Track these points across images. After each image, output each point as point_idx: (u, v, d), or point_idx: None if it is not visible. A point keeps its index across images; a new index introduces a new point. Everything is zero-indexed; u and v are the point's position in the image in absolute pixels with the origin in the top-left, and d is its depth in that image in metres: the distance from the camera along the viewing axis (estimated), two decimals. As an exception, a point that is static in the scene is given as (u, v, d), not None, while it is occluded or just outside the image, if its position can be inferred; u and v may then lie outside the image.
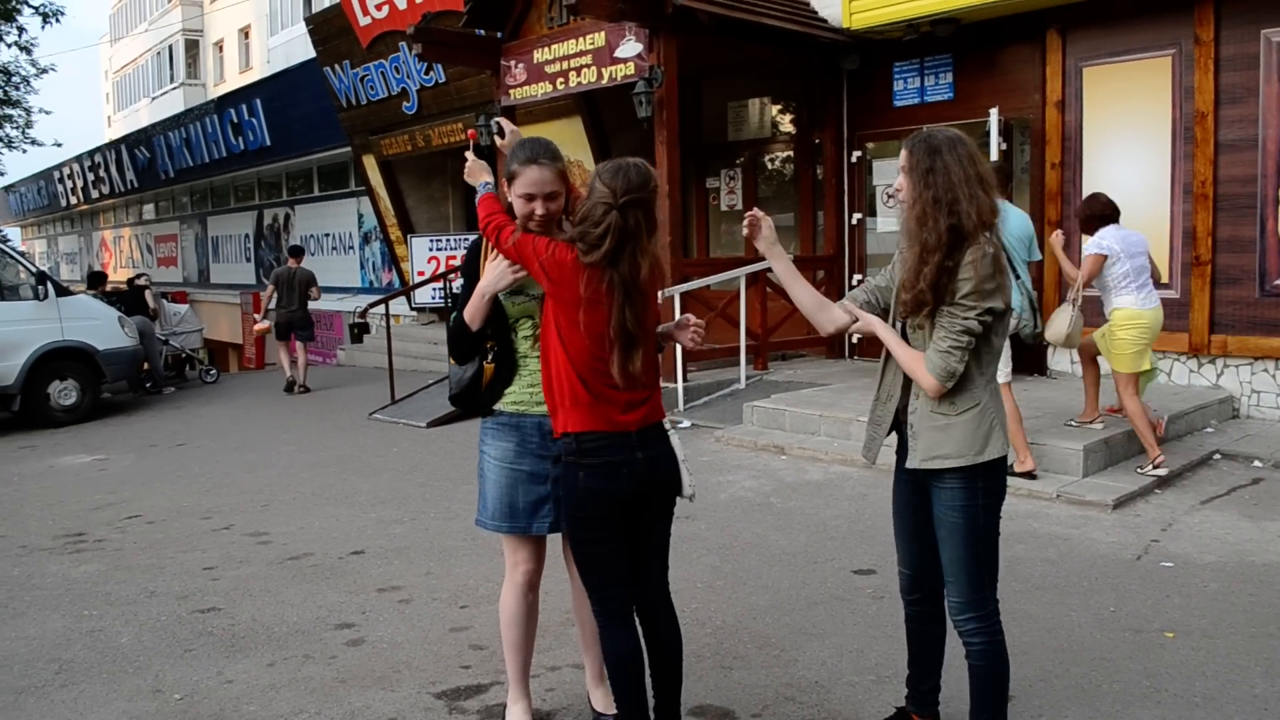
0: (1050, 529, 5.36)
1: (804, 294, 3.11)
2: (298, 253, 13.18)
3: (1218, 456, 6.71)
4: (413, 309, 14.97)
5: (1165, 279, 7.96)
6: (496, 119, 3.59)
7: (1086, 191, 8.41)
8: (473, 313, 3.07)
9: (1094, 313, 6.80)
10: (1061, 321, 6.37)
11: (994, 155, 8.39)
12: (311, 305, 12.55)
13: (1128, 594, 4.44)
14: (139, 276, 15.31)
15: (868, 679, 3.69)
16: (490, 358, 3.14)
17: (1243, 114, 7.65)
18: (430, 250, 14.44)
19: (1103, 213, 6.34)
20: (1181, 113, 7.93)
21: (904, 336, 2.96)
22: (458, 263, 12.81)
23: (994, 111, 8.47)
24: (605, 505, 2.87)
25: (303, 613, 4.57)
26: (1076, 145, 8.55)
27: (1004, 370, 5.81)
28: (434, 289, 13.27)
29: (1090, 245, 6.28)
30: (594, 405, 2.84)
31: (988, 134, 8.56)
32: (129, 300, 13.89)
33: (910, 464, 2.93)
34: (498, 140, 3.40)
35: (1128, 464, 6.34)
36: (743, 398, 8.47)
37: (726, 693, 3.60)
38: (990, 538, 2.91)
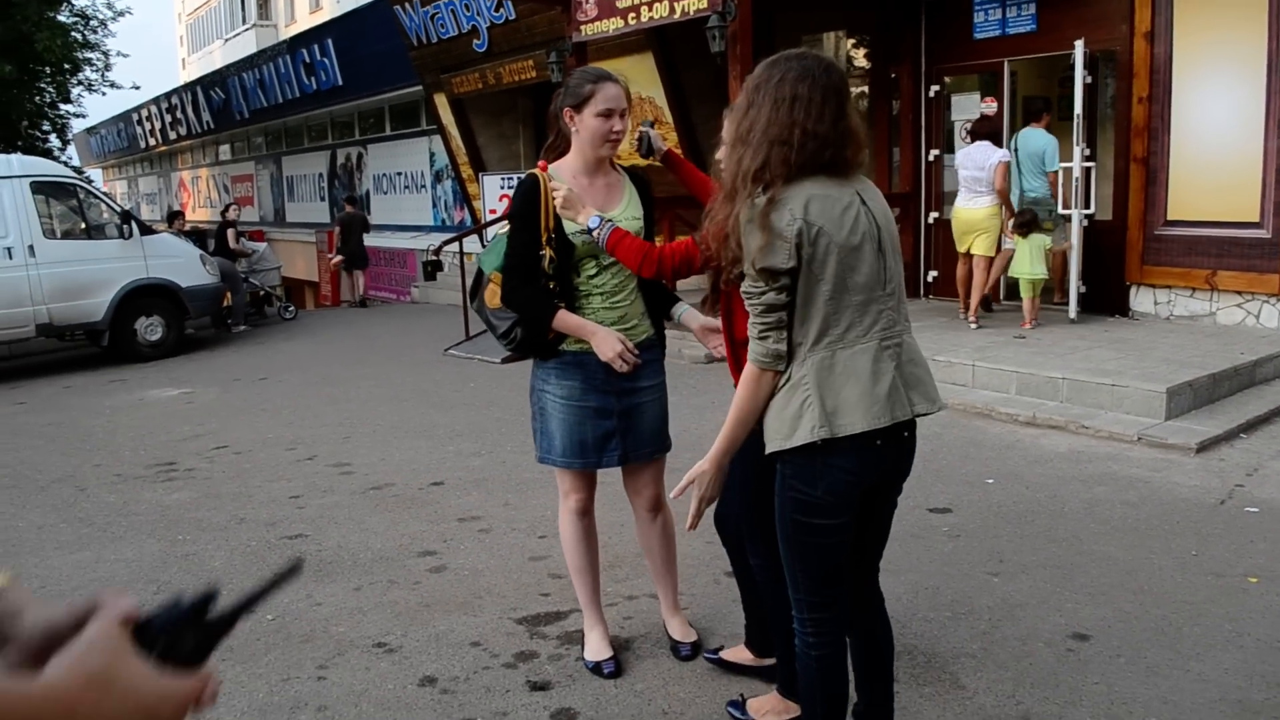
0: (1131, 471, 5.29)
1: None
2: (353, 201, 16.98)
3: (1307, 400, 6.54)
4: (484, 246, 15.07)
5: (1256, 217, 7.73)
6: (644, 130, 3.44)
7: (1175, 127, 8.17)
8: (566, 329, 3.13)
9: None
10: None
11: (1078, 89, 8.14)
12: (388, 244, 13.09)
13: (1210, 538, 4.37)
14: (228, 208, 15.60)
15: (944, 615, 3.71)
16: (560, 300, 3.14)
17: (1346, 44, 7.32)
18: (502, 188, 14.44)
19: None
20: (1277, 45, 7.60)
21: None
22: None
23: (1079, 43, 8.19)
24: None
25: (386, 540, 4.71)
26: (1165, 78, 8.25)
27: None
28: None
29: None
30: None
31: (1072, 66, 8.30)
32: (219, 236, 14.24)
33: None
34: (640, 153, 3.43)
35: (1213, 408, 6.20)
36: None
37: (802, 625, 3.64)
38: (799, 540, 2.37)
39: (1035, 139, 8.51)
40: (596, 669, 3.37)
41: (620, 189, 3.25)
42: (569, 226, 3.07)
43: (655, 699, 3.21)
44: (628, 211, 3.21)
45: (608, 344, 3.05)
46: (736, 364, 2.81)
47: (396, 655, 3.55)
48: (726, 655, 3.42)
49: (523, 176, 3.21)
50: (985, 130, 8.47)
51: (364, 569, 4.35)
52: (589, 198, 3.11)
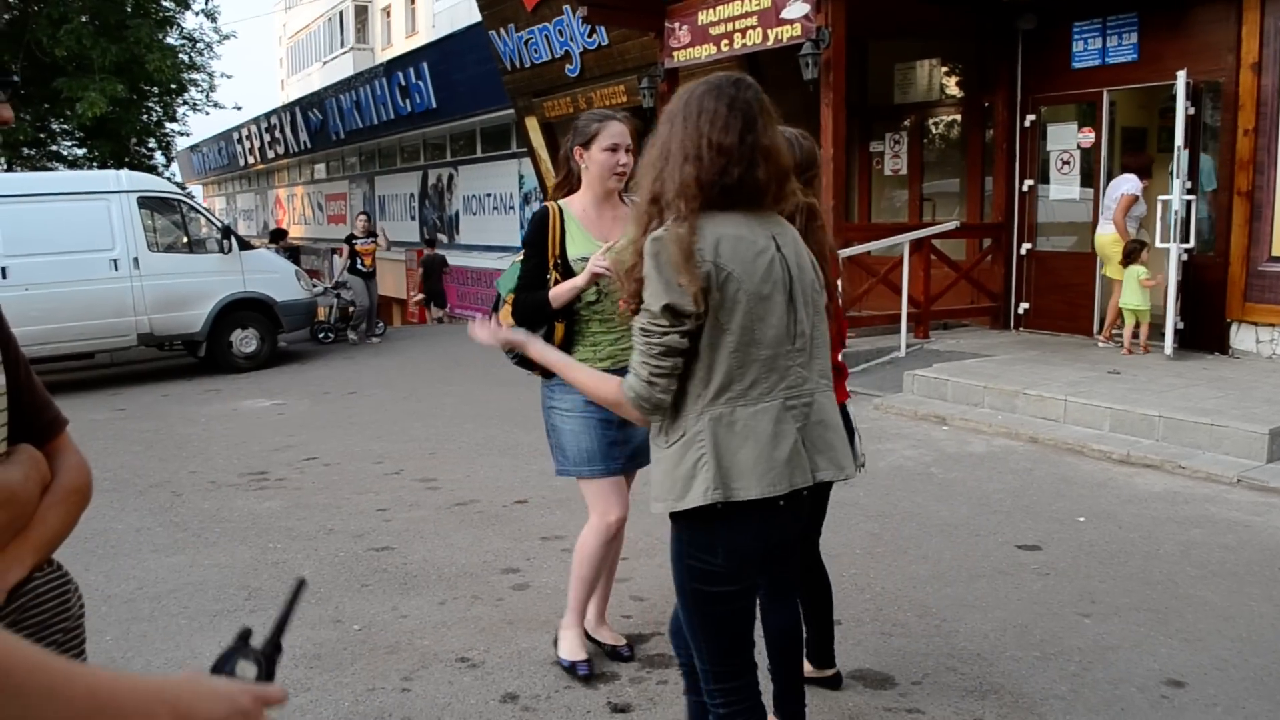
0: (1230, 514, 5.11)
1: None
2: (432, 243, 18.22)
3: None
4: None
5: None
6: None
7: (1283, 160, 7.93)
8: (562, 301, 3.28)
9: None
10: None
11: (1180, 120, 7.94)
12: (475, 264, 13.36)
13: (1315, 585, 4.21)
14: (352, 239, 14.79)
15: (1032, 655, 3.62)
16: (560, 319, 3.37)
17: None
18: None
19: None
20: (1395, 76, 7.34)
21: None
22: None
23: (1181, 74, 8.01)
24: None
25: (470, 556, 4.76)
26: (1273, 111, 8.01)
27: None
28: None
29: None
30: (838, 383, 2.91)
31: (1174, 97, 8.11)
32: (352, 253, 14.27)
33: None
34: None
35: (1318, 450, 5.97)
36: (903, 365, 8.33)
37: (886, 658, 3.59)
38: (701, 610, 2.19)
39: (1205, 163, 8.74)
40: (572, 668, 3.54)
41: (626, 220, 3.36)
42: (573, 253, 3.31)
43: (735, 726, 3.19)
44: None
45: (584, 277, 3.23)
46: None
47: (479, 670, 3.59)
48: None
49: (536, 208, 3.48)
50: (1135, 165, 8.71)
51: (449, 583, 4.41)
52: (598, 229, 3.35)
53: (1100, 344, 8.87)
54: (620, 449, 3.42)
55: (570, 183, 3.45)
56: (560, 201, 3.40)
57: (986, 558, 4.59)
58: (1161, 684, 3.38)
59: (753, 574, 2.20)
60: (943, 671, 3.51)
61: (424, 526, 5.24)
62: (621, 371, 2.47)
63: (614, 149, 3.29)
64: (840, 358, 3.10)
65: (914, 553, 4.67)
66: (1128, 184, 8.50)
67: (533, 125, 16.22)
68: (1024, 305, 10.17)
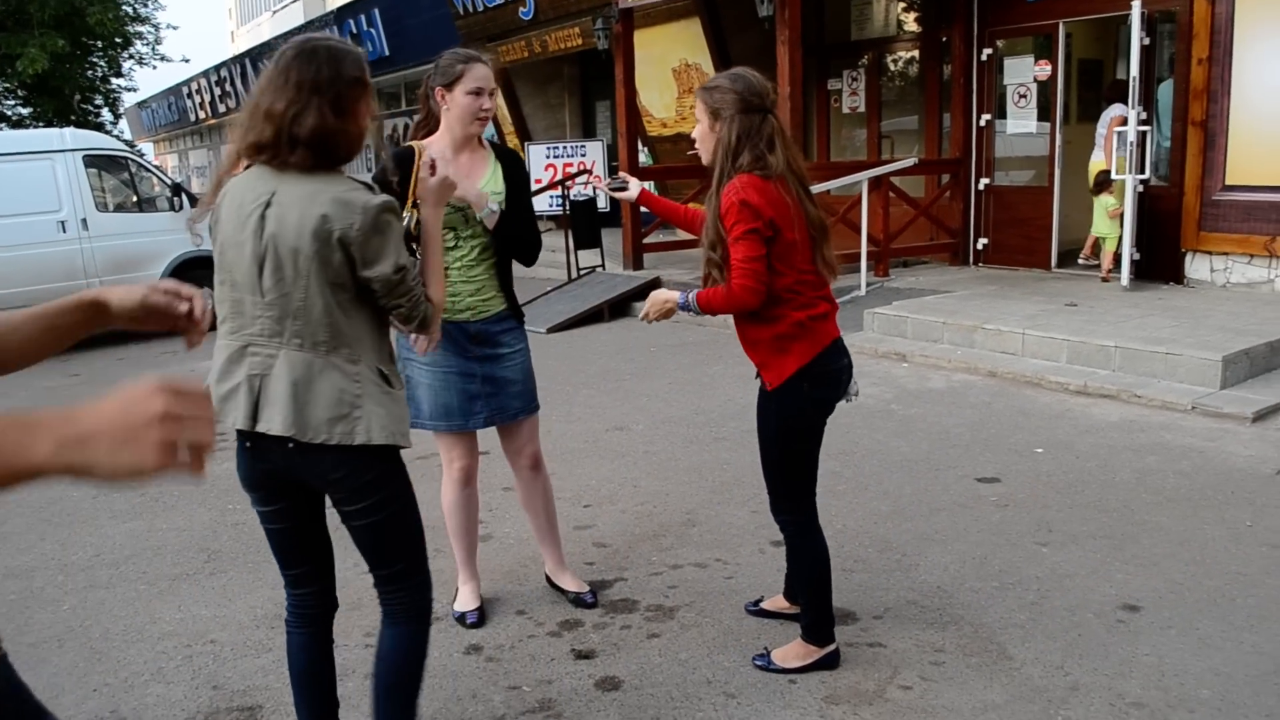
0: (1184, 441, 5.19)
1: None
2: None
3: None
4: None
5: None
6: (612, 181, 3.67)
7: (1236, 90, 7.95)
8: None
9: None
10: None
11: (1135, 50, 7.93)
12: None
13: (1265, 509, 4.29)
14: None
15: (990, 585, 3.68)
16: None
17: None
18: (547, 157, 14.46)
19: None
20: (1346, 0, 7.35)
21: None
22: (574, 170, 12.82)
23: (1136, 3, 7.97)
24: (825, 411, 3.06)
25: (432, 510, 4.70)
26: (1226, 39, 8.01)
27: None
28: (551, 196, 13.30)
29: None
30: (820, 324, 2.96)
31: (1129, 27, 8.08)
32: None
33: None
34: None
35: (1269, 376, 6.06)
36: (863, 304, 8.34)
37: (848, 595, 3.62)
38: None
39: (1166, 92, 8.84)
40: (461, 618, 3.61)
41: (485, 163, 3.41)
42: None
43: (699, 668, 3.22)
44: (489, 185, 3.35)
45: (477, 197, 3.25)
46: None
47: (443, 623, 3.59)
48: (766, 605, 3.56)
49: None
50: (1118, 95, 8.73)
51: (411, 537, 4.39)
52: (453, 171, 3.19)
53: (1080, 261, 9.25)
54: (482, 403, 3.41)
55: (429, 124, 3.38)
56: (420, 143, 3.30)
57: (946, 491, 4.64)
58: (1118, 609, 3.44)
59: (256, 494, 2.45)
60: (904, 605, 3.56)
61: (386, 481, 5.21)
62: (482, 323, 3.27)
63: (478, 93, 3.23)
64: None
65: (875, 489, 4.71)
66: (1111, 111, 8.75)
67: (487, 71, 15.96)
68: (982, 241, 10.20)
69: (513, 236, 3.38)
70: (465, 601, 3.67)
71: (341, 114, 2.20)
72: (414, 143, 3.30)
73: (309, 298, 2.22)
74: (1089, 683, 3.00)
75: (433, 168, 2.65)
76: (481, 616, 3.63)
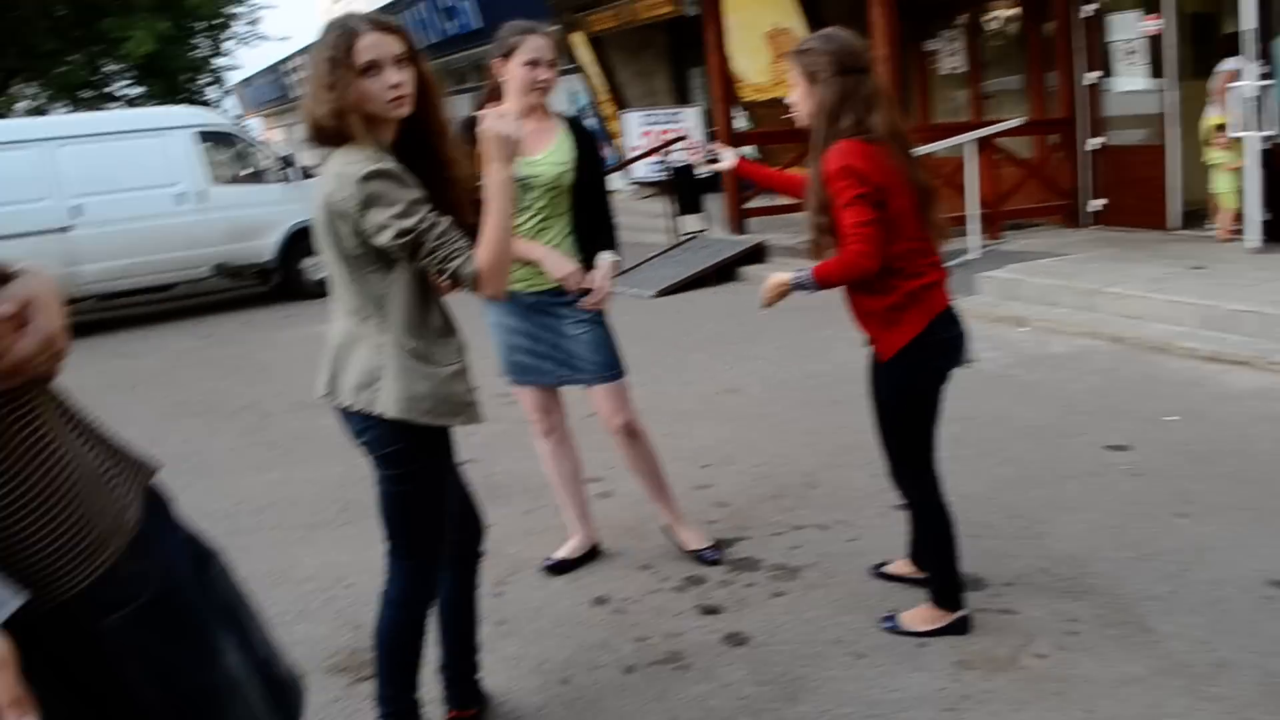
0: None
1: None
2: None
3: None
4: (631, 183, 15.10)
5: None
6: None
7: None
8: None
9: None
10: None
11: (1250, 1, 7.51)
12: None
13: None
14: None
15: (1126, 555, 3.56)
16: None
17: None
18: (643, 125, 14.43)
19: None
20: None
21: None
22: (672, 136, 12.76)
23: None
24: (940, 380, 3.00)
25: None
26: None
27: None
28: (650, 163, 13.30)
29: None
30: (931, 293, 2.89)
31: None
32: None
33: None
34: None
35: None
36: (975, 268, 8.15)
37: (976, 560, 3.54)
38: None
39: None
40: (552, 566, 3.71)
41: (551, 134, 3.40)
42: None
43: (826, 627, 3.21)
44: (552, 156, 3.36)
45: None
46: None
47: (569, 576, 3.65)
48: (891, 569, 3.51)
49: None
50: (1225, 50, 8.18)
51: (533, 494, 4.46)
52: (515, 127, 3.18)
53: (1207, 226, 8.73)
54: (552, 364, 3.51)
55: (496, 95, 3.39)
56: (485, 112, 3.32)
57: (1074, 459, 4.52)
58: (1264, 584, 3.29)
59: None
60: (1034, 573, 3.48)
61: (505, 440, 5.26)
62: (536, 296, 3.42)
63: (534, 64, 3.24)
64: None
65: (999, 455, 4.61)
66: (1225, 64, 8.09)
67: (580, 40, 15.98)
68: (1099, 202, 9.85)
69: (585, 208, 3.41)
70: (559, 550, 3.76)
71: (325, 90, 2.22)
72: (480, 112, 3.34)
73: (336, 268, 2.37)
74: (1237, 660, 2.88)
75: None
76: (560, 566, 3.71)
